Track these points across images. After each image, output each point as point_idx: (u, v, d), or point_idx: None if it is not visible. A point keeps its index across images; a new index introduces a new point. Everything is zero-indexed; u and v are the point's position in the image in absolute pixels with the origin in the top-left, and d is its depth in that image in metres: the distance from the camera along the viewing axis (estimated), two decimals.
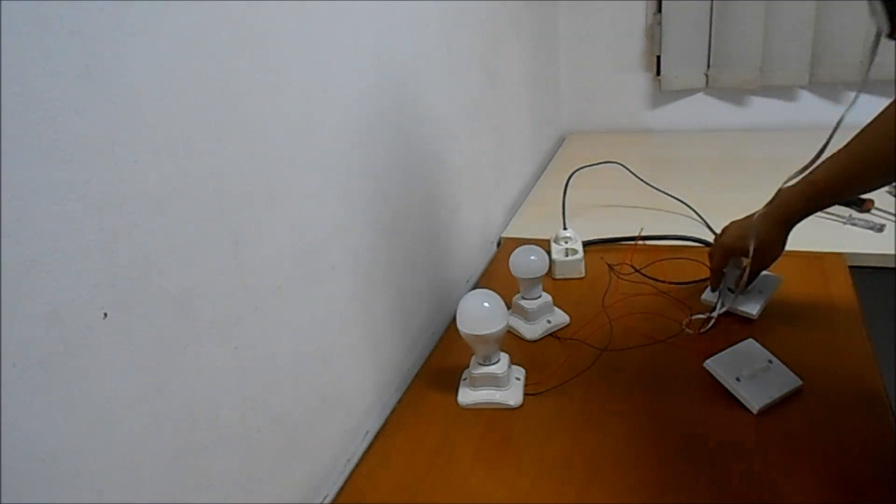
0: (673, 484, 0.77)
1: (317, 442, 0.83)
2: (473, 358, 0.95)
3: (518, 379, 0.96)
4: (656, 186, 1.48)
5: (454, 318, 0.92)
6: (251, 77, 0.67)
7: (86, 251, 0.50)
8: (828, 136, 0.81)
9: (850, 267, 1.16)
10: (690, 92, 1.96)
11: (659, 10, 1.87)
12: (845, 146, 0.87)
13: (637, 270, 1.21)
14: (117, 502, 0.54)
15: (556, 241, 1.27)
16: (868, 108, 1.98)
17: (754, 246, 0.96)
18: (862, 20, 1.70)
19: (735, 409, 0.87)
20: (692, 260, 1.23)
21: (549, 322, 1.09)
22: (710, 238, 1.31)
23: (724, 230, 1.05)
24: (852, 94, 1.81)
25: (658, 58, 1.92)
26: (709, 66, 1.88)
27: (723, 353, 0.93)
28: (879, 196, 1.35)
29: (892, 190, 1.39)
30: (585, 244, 1.29)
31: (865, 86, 0.73)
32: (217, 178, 0.63)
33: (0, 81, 0.43)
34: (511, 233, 1.48)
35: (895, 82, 1.76)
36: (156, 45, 0.55)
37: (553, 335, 1.08)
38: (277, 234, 0.73)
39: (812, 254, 1.17)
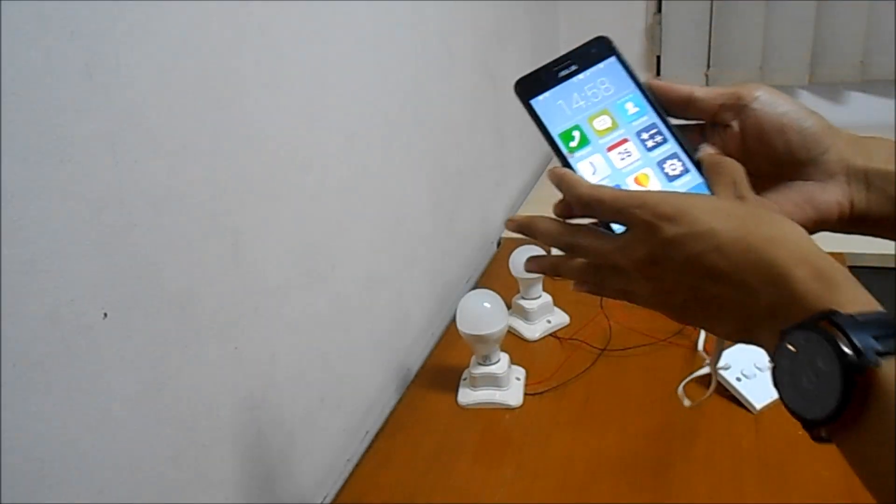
0: (673, 484, 0.77)
1: (317, 442, 0.83)
2: (473, 358, 0.95)
3: (518, 379, 0.96)
4: None
5: (454, 318, 0.92)
6: (251, 77, 0.67)
7: (86, 251, 0.50)
8: None
9: (850, 267, 1.16)
10: None
11: (659, 10, 1.87)
12: None
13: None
14: (117, 502, 0.54)
15: None
16: (868, 107, 1.98)
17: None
18: (862, 20, 1.71)
19: (735, 409, 0.87)
20: None
21: (549, 322, 1.09)
22: None
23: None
24: (852, 94, 1.82)
25: (658, 58, 1.92)
26: (709, 67, 1.88)
27: (723, 353, 0.93)
28: None
29: None
30: None
31: (865, 86, 0.68)
32: (217, 178, 0.63)
33: (0, 81, 0.43)
34: (511, 233, 1.48)
35: (895, 82, 1.76)
36: (156, 45, 0.55)
37: (553, 335, 1.08)
38: (277, 234, 0.73)
39: None
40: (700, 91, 0.45)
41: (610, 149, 0.46)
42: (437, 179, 1.15)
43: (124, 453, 0.55)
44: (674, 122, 0.46)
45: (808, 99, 1.87)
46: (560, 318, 1.10)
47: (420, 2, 1.05)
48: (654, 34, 1.90)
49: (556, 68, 0.47)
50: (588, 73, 0.47)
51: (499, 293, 0.92)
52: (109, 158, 0.51)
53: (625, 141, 0.46)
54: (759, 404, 0.85)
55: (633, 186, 0.45)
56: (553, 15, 1.94)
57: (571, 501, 0.77)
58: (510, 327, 1.06)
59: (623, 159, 0.46)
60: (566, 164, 0.46)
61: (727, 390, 0.89)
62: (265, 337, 0.72)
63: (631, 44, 1.96)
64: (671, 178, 0.45)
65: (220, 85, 0.63)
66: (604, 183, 0.45)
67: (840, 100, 1.84)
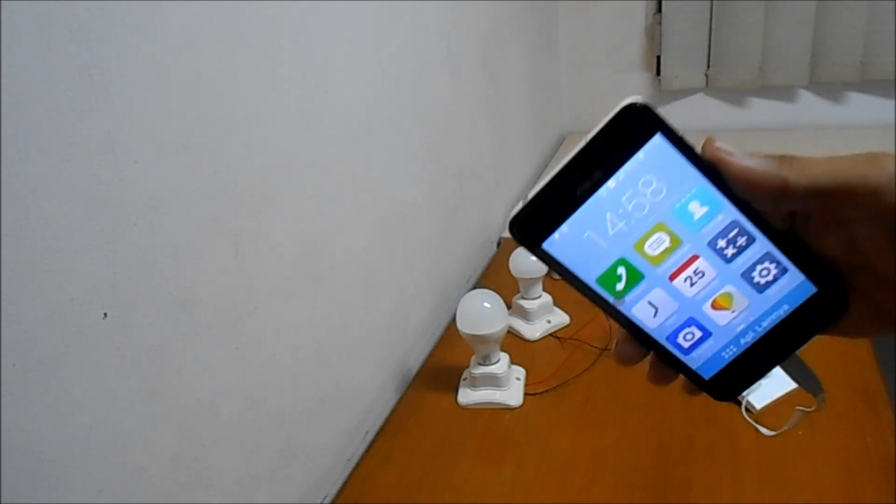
0: (672, 484, 0.77)
1: (317, 442, 0.83)
2: (473, 358, 0.95)
3: (518, 379, 0.96)
4: None
5: (454, 318, 0.92)
6: (251, 77, 0.67)
7: (86, 251, 0.50)
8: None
9: None
10: (690, 92, 1.96)
11: (659, 10, 1.87)
12: None
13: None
14: (117, 502, 0.54)
15: None
16: (868, 107, 1.98)
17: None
18: (862, 20, 1.70)
19: (735, 409, 0.87)
20: None
21: (549, 322, 1.09)
22: None
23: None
24: (852, 94, 1.82)
25: (658, 58, 1.92)
26: (709, 66, 1.88)
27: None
28: None
29: None
30: None
31: (865, 86, 0.65)
32: (217, 178, 0.63)
33: (0, 81, 0.43)
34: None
35: (895, 82, 1.76)
36: (156, 45, 0.55)
37: (553, 335, 1.08)
38: (277, 234, 0.73)
39: None
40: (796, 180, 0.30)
41: (674, 276, 0.32)
42: (437, 179, 1.15)
43: (124, 453, 0.55)
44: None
45: (808, 99, 1.87)
46: (560, 318, 1.10)
47: (420, 2, 1.05)
48: (654, 34, 1.90)
49: (568, 183, 0.31)
50: (623, 175, 0.31)
51: (499, 293, 0.92)
52: (109, 158, 0.51)
53: (694, 259, 0.32)
54: (759, 404, 0.85)
55: (711, 313, 0.33)
56: (553, 15, 1.94)
57: (571, 501, 0.77)
58: (510, 327, 1.06)
59: (693, 284, 0.33)
60: (615, 315, 0.33)
61: None
62: (265, 337, 0.72)
63: (631, 44, 1.96)
64: (762, 289, 0.33)
65: (220, 85, 0.63)
66: (672, 321, 0.33)
67: (840, 100, 1.84)
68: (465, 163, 1.28)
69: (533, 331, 1.08)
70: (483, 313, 0.89)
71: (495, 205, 1.48)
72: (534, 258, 0.33)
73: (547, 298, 1.09)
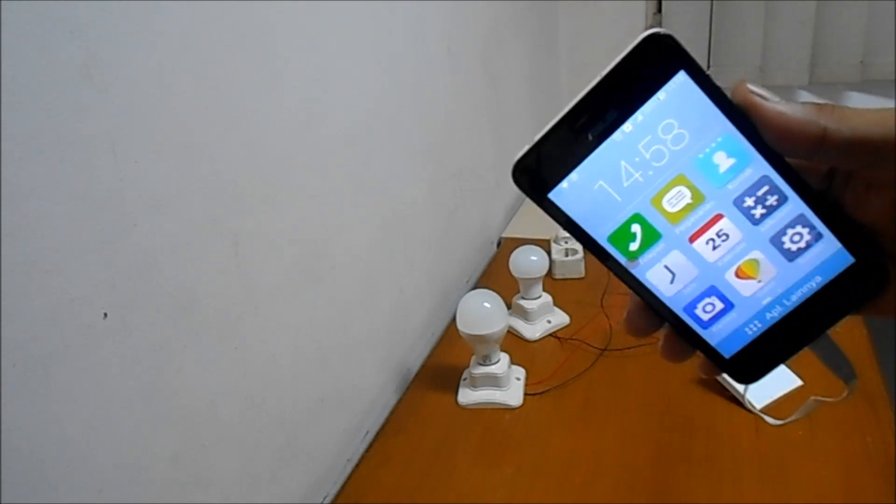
0: (672, 484, 0.77)
1: (317, 442, 0.83)
2: (473, 358, 0.95)
3: (518, 379, 0.96)
4: None
5: (454, 318, 0.92)
6: (251, 77, 0.67)
7: (86, 251, 0.50)
8: None
9: None
10: None
11: (659, 10, 1.87)
12: None
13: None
14: (117, 502, 0.54)
15: (556, 241, 1.27)
16: (868, 107, 1.97)
17: None
18: (862, 20, 1.71)
19: (735, 409, 0.87)
20: None
21: (549, 322, 1.09)
22: None
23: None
24: (852, 94, 1.82)
25: None
26: (708, 66, 1.88)
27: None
28: None
29: None
30: None
31: (865, 86, 0.65)
32: (217, 178, 0.63)
33: (0, 81, 0.43)
34: (511, 233, 1.48)
35: (895, 82, 1.76)
36: (156, 45, 0.55)
37: (553, 335, 1.08)
38: (277, 234, 0.73)
39: None
40: (839, 130, 0.27)
41: (694, 237, 0.29)
42: (437, 179, 1.15)
43: (124, 453, 0.55)
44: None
45: (808, 99, 1.87)
46: (560, 318, 1.10)
47: (420, 2, 1.05)
48: None
49: (580, 124, 0.28)
50: (641, 117, 0.28)
51: (499, 293, 0.92)
52: (109, 158, 0.51)
53: (718, 219, 0.29)
54: (759, 404, 0.85)
55: (735, 282, 0.30)
56: (553, 15, 1.94)
57: (571, 501, 0.77)
58: (510, 327, 1.06)
59: (716, 248, 0.29)
60: (627, 279, 0.30)
61: (727, 390, 0.89)
62: (265, 337, 0.72)
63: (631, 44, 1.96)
64: (793, 256, 0.29)
65: (220, 85, 0.63)
66: (690, 289, 0.30)
67: (840, 100, 1.84)
68: (465, 163, 1.28)
69: (533, 331, 1.08)
70: (483, 313, 0.89)
71: (495, 205, 1.49)
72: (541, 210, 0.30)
73: (547, 298, 1.09)
